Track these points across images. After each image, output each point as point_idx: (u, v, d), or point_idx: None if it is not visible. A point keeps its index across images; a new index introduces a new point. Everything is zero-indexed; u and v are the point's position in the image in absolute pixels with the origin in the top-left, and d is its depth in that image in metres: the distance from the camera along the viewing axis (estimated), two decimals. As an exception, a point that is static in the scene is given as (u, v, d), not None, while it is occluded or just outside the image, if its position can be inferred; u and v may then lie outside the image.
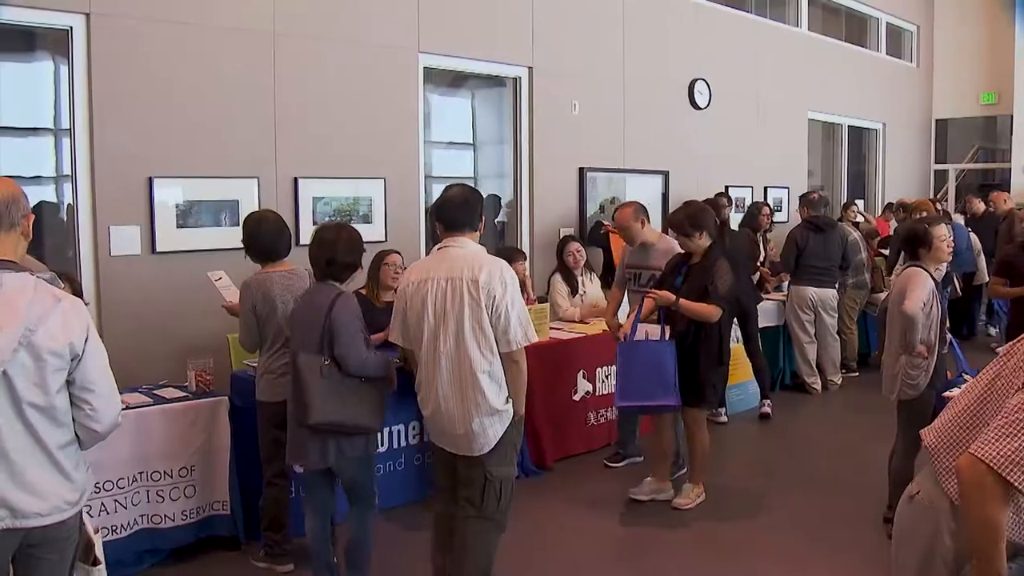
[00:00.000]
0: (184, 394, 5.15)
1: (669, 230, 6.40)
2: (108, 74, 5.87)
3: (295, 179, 6.81)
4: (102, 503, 4.65)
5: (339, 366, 4.19)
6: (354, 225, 6.99)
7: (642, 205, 6.48)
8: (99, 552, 3.16)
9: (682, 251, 5.96)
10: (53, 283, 2.89)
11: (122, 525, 4.74)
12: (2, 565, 2.84)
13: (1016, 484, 2.31)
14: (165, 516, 4.91)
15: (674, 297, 5.52)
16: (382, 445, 5.68)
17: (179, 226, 6.22)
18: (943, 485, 2.65)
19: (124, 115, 5.94)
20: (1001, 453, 2.34)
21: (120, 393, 3.05)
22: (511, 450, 4.20)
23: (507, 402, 4.10)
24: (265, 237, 4.85)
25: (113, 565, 4.61)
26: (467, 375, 4.02)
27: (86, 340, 2.83)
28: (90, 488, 3.06)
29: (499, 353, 4.05)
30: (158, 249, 6.10)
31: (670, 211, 10.19)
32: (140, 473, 4.81)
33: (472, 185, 4.66)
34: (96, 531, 3.20)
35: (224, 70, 6.42)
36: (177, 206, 6.22)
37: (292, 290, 4.78)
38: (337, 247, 4.32)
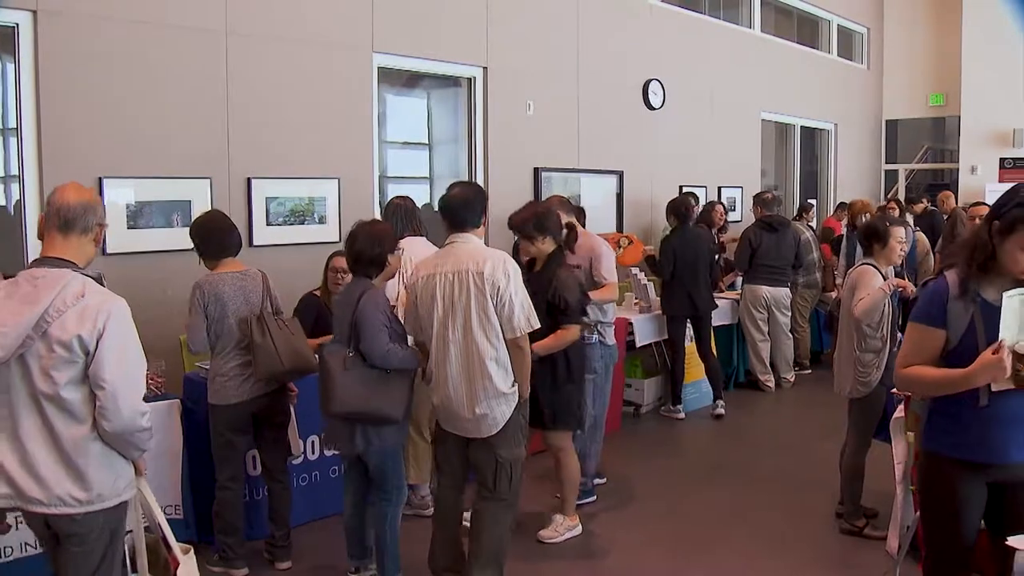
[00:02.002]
0: (136, 397, 5.07)
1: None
2: (56, 72, 5.77)
3: (248, 179, 6.74)
4: (51, 509, 4.56)
5: (364, 358, 4.27)
6: (307, 226, 7.01)
7: (563, 198, 6.20)
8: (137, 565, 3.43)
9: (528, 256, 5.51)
10: (99, 281, 3.06)
11: (72, 531, 4.66)
12: (42, 543, 3.18)
13: None
14: (117, 521, 4.83)
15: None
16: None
17: (130, 227, 6.13)
18: None
19: (73, 114, 5.85)
20: None
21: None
22: (519, 433, 4.44)
23: (513, 386, 4.34)
24: (219, 235, 4.82)
25: (62, 572, 4.56)
26: (475, 361, 4.26)
27: (100, 337, 2.91)
28: (117, 496, 3.10)
29: (504, 340, 4.29)
30: (109, 250, 5.99)
31: (624, 213, 10.36)
32: (90, 477, 4.73)
33: (475, 182, 4.71)
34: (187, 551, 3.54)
35: (175, 69, 6.34)
36: (128, 207, 6.13)
37: (245, 291, 4.75)
38: (357, 242, 4.40)
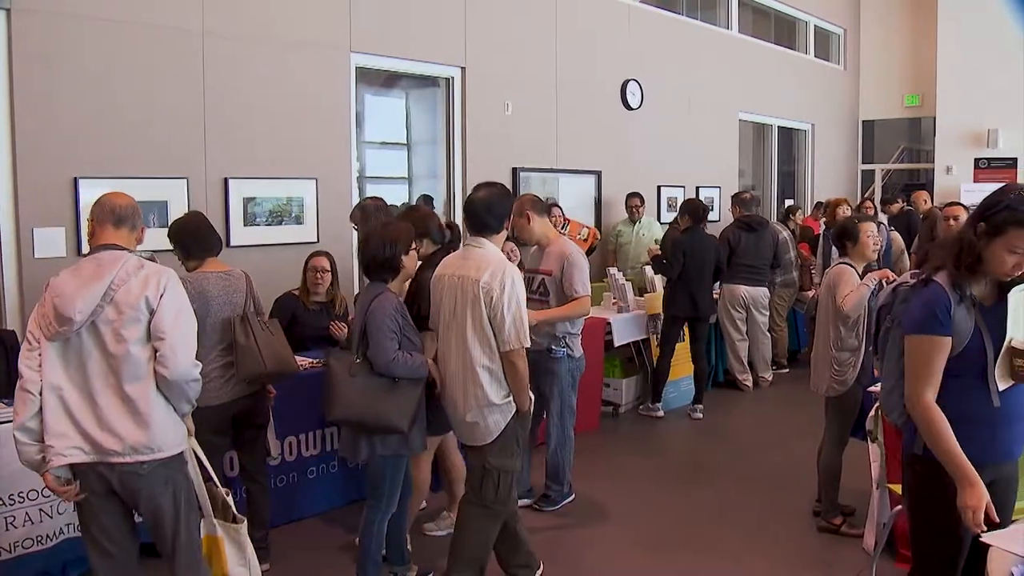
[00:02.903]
0: (111, 399, 5.03)
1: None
2: (30, 72, 5.73)
3: (225, 179, 6.72)
4: (26, 513, 4.52)
5: (372, 365, 4.22)
6: (284, 227, 6.97)
7: (534, 198, 5.83)
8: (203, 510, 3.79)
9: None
10: (151, 259, 3.65)
11: (47, 535, 4.62)
12: (96, 504, 3.48)
13: None
14: (92, 524, 4.80)
15: None
16: (315, 447, 5.65)
17: (106, 227, 6.08)
18: None
19: (47, 114, 5.81)
20: None
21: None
22: (512, 443, 4.36)
23: (507, 397, 4.28)
24: (202, 234, 4.77)
25: (38, 576, 4.54)
26: (468, 369, 4.25)
27: (161, 296, 3.45)
28: (176, 446, 3.57)
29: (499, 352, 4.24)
30: (84, 251, 5.96)
31: (602, 213, 10.38)
32: (66, 480, 4.70)
33: (501, 183, 4.64)
34: (228, 493, 3.92)
35: (152, 68, 6.31)
36: (103, 207, 6.08)
37: (229, 291, 4.69)
38: (368, 246, 4.34)
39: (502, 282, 4.19)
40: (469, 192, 4.60)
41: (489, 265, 4.24)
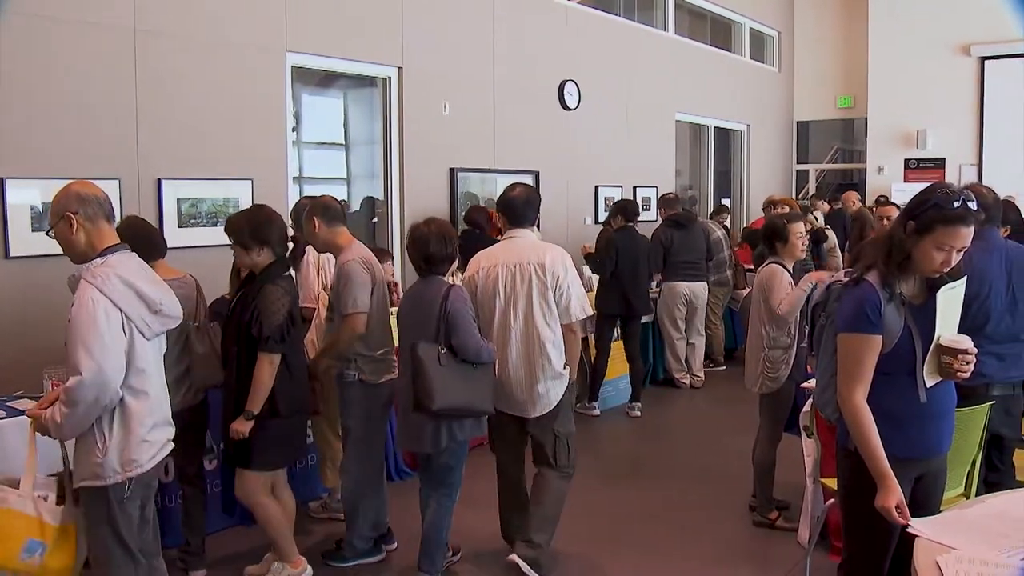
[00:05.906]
0: (41, 404, 4.92)
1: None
2: (-46, 70, 5.60)
3: (159, 180, 6.61)
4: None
5: (454, 353, 4.46)
6: (218, 228, 6.86)
7: (327, 204, 5.08)
8: None
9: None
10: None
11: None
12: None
13: None
14: (23, 533, 4.68)
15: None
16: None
17: (35, 229, 5.95)
18: None
19: (-28, 113, 5.67)
20: None
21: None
22: (570, 411, 4.96)
23: (565, 367, 4.79)
24: (146, 234, 4.60)
25: (-35, 587, 4.42)
26: (535, 345, 4.70)
27: None
28: None
29: (561, 325, 4.75)
30: (12, 254, 5.84)
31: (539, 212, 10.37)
32: (-6, 489, 4.58)
33: (531, 184, 5.13)
34: None
35: (82, 67, 6.18)
36: (33, 208, 5.96)
37: (184, 299, 4.55)
38: (430, 242, 4.59)
39: (564, 264, 4.76)
40: (502, 192, 5.18)
41: (547, 250, 4.79)
